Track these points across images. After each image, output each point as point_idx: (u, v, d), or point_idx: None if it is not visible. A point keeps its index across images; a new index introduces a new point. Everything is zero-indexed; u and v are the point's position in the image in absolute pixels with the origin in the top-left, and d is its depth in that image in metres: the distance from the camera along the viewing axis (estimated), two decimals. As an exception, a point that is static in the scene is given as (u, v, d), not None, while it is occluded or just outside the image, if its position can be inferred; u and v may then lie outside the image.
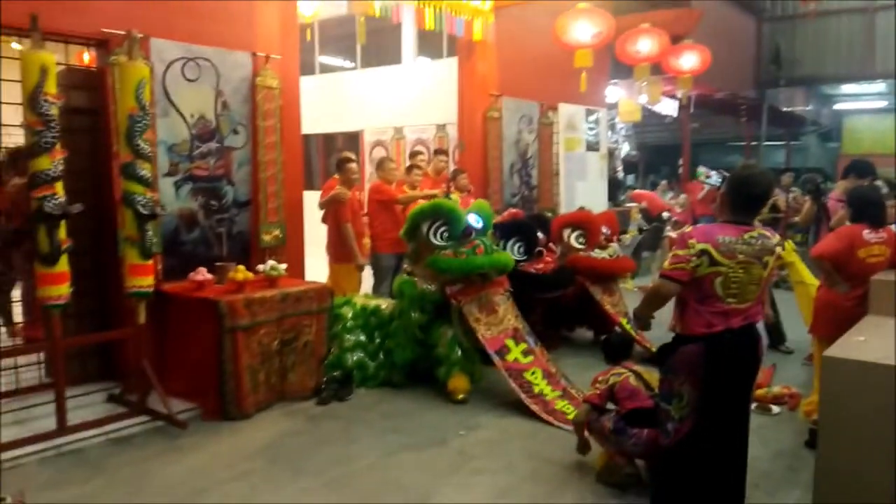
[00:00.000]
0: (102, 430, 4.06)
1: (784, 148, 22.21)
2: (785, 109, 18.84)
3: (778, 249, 2.73)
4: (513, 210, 6.70)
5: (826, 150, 23.61)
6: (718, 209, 2.80)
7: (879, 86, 20.39)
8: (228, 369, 4.36)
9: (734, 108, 16.89)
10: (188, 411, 4.39)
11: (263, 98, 5.30)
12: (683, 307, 2.72)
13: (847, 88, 21.16)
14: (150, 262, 4.27)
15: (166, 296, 4.61)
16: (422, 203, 5.31)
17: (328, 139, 12.15)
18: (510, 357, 4.77)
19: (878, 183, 7.77)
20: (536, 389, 4.61)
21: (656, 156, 22.45)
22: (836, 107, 22.39)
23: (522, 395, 4.55)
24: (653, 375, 3.32)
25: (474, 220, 5.05)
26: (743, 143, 21.36)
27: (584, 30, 6.83)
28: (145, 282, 4.24)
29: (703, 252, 2.59)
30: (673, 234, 11.14)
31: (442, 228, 4.88)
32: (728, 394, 2.69)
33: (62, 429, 3.91)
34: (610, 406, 3.49)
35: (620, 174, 12.74)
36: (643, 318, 2.94)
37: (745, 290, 2.65)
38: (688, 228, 2.83)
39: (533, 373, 4.73)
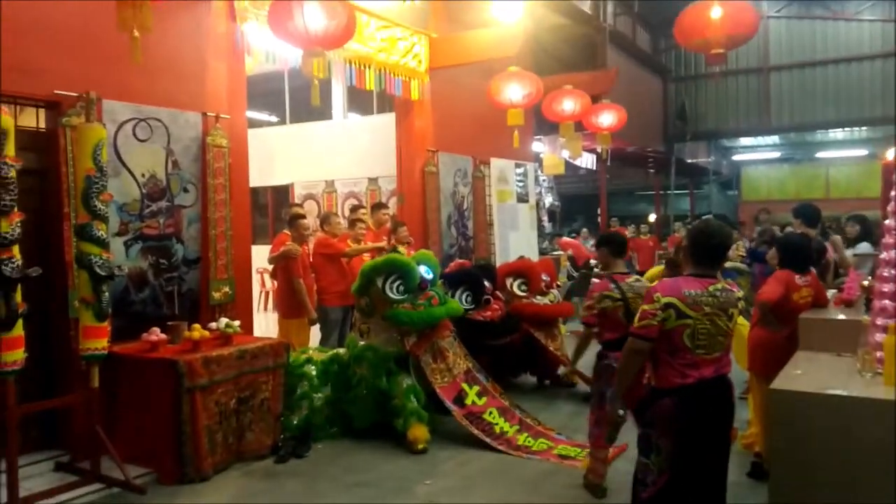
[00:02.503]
0: (56, 500, 3.91)
1: (688, 196, 23.72)
2: (689, 161, 20.22)
3: (741, 304, 2.90)
4: (459, 261, 6.93)
5: (726, 197, 25.34)
6: (682, 263, 2.99)
7: (773, 137, 22.21)
8: (187, 431, 4.28)
9: (643, 161, 18.01)
10: (143, 476, 4.26)
11: (213, 156, 5.36)
12: (656, 361, 2.83)
13: (744, 141, 22.94)
14: (105, 323, 4.19)
15: (117, 357, 4.49)
16: (375, 258, 5.45)
17: (256, 193, 12.12)
18: (468, 401, 4.96)
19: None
20: (497, 429, 4.82)
21: (572, 205, 23.47)
22: (735, 157, 24.16)
23: (487, 439, 4.72)
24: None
25: (424, 272, 5.24)
26: (650, 192, 22.69)
27: (515, 91, 7.25)
28: (100, 344, 4.16)
29: (669, 305, 2.71)
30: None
31: (397, 282, 5.03)
32: (705, 443, 2.80)
33: (14, 501, 3.73)
34: None
35: (547, 225, 13.27)
36: (621, 393, 2.92)
37: (713, 342, 2.77)
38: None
39: (490, 413, 4.94)
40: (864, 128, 20.24)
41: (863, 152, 22.23)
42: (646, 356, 2.84)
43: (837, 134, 21.72)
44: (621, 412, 2.94)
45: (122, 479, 4.08)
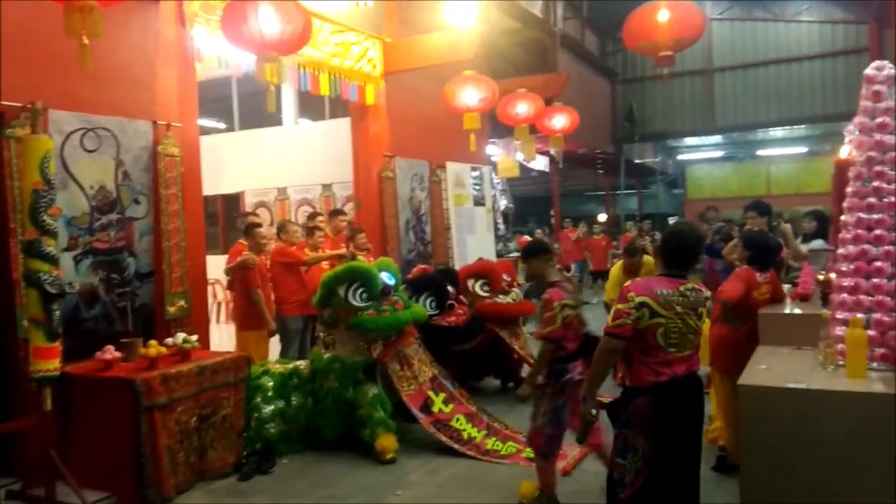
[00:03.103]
0: (9, 531, 3.71)
1: (636, 196, 24.21)
2: (637, 161, 20.64)
3: (709, 303, 2.96)
4: (422, 266, 6.88)
5: (672, 196, 25.95)
6: (656, 264, 3.04)
7: (716, 137, 22.86)
8: (146, 452, 4.12)
9: (593, 162, 18.29)
10: (102, 501, 4.08)
11: (165, 166, 5.19)
12: (630, 360, 2.86)
13: (688, 141, 23.54)
14: (57, 343, 4.01)
15: (70, 378, 4.29)
16: (335, 268, 5.36)
17: (205, 201, 11.81)
18: (435, 409, 4.94)
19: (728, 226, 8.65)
20: (465, 435, 4.80)
21: (524, 207, 23.67)
22: (680, 157, 24.77)
23: (456, 446, 4.69)
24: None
25: (386, 278, 5.18)
26: (599, 193, 23.07)
27: (471, 95, 7.25)
28: (51, 365, 3.97)
29: (643, 304, 2.75)
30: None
31: (360, 290, 4.95)
32: (680, 441, 2.85)
33: (-38, 535, 3.53)
34: None
35: (501, 227, 13.32)
36: (593, 392, 2.90)
37: (684, 340, 2.82)
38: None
39: (457, 419, 4.92)
40: (802, 126, 21.01)
41: (802, 150, 23.06)
42: (619, 355, 2.87)
43: (777, 132, 22.49)
44: (594, 412, 2.94)
45: (81, 505, 3.91)
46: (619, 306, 2.79)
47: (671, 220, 10.35)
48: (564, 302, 3.63)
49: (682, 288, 2.84)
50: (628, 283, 2.94)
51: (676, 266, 2.91)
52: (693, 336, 2.86)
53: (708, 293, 2.97)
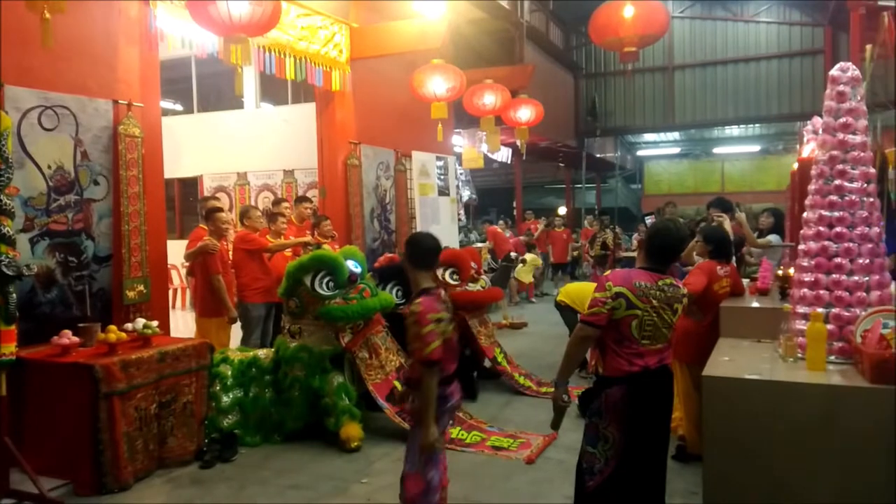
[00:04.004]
0: (-41, 521, 3.59)
1: (595, 189, 24.53)
2: (598, 156, 20.88)
3: (685, 300, 3.00)
4: (389, 255, 6.85)
5: (630, 191, 26.35)
6: (637, 256, 3.07)
7: (674, 134, 23.28)
8: (104, 439, 4.03)
9: (555, 155, 18.42)
10: (59, 488, 3.99)
11: (126, 147, 5.06)
12: (604, 349, 2.90)
13: (647, 136, 23.92)
14: (13, 327, 3.87)
15: (25, 362, 4.17)
16: (300, 257, 5.30)
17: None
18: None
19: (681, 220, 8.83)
20: None
21: (485, 198, 23.76)
22: (639, 153, 25.15)
23: None
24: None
25: (353, 266, 5.14)
26: (559, 186, 23.29)
27: (438, 84, 7.22)
28: (8, 349, 3.83)
29: (620, 294, 2.79)
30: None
31: (326, 279, 4.90)
32: (650, 431, 2.89)
33: None
34: None
35: (462, 218, 13.37)
36: (566, 378, 2.87)
37: (658, 333, 2.86)
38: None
39: None
40: (757, 125, 21.53)
41: (755, 148, 23.63)
42: (592, 343, 2.92)
43: (733, 131, 23.01)
44: (565, 398, 2.97)
45: (36, 493, 3.80)
46: (597, 295, 2.82)
47: (648, 220, 10.65)
48: (439, 315, 2.89)
49: (660, 282, 2.88)
50: (608, 272, 2.98)
51: (657, 261, 2.96)
52: (667, 330, 2.90)
53: (685, 290, 3.02)
